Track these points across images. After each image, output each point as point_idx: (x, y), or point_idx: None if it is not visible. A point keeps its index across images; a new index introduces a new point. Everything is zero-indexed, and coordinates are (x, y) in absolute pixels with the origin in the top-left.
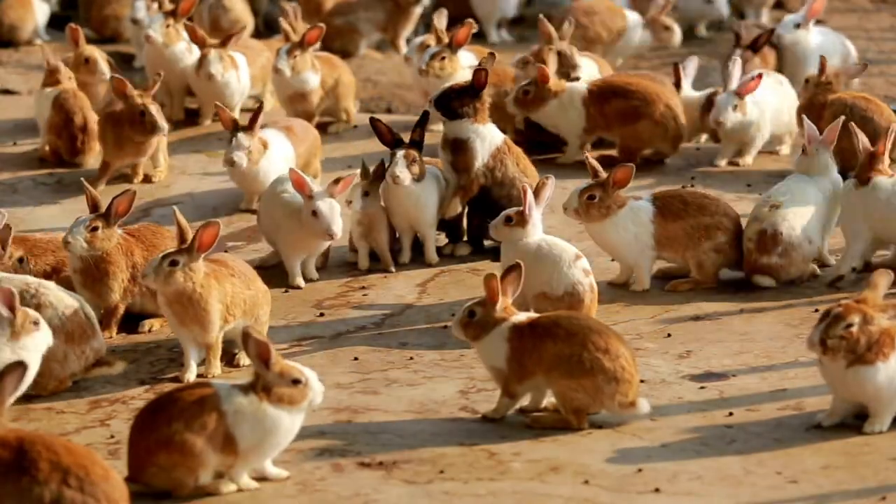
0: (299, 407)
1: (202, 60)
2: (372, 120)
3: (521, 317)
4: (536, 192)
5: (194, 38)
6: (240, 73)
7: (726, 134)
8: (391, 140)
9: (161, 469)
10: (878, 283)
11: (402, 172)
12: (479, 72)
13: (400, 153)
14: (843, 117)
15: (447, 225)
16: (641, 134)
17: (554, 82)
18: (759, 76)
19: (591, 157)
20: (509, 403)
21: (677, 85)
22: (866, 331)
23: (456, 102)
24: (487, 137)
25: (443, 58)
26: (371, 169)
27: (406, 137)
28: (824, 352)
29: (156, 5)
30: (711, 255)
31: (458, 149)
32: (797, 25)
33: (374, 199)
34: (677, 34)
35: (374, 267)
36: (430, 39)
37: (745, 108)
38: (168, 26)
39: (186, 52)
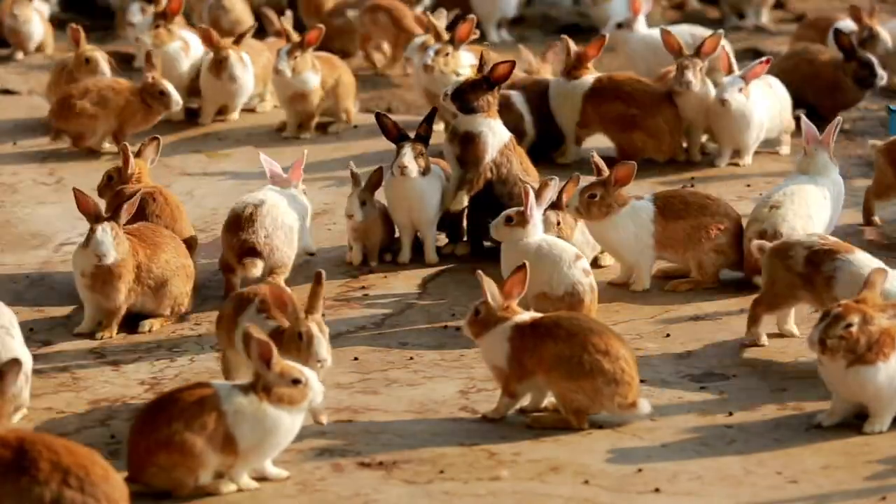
0: (299, 407)
1: (223, 63)
2: (378, 115)
3: (525, 316)
4: (538, 193)
5: (209, 42)
6: (249, 73)
7: (721, 134)
8: (396, 135)
9: (161, 469)
10: (875, 282)
11: (411, 163)
12: (505, 64)
13: (408, 145)
14: (839, 118)
15: (447, 225)
16: (636, 143)
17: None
18: (767, 60)
19: (596, 156)
20: (510, 403)
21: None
22: (866, 331)
23: (472, 95)
24: (498, 132)
25: (447, 53)
26: (356, 172)
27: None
28: (823, 351)
29: (152, 7)
30: (712, 256)
31: (468, 142)
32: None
33: (371, 207)
34: None
35: (375, 267)
36: (431, 39)
37: (748, 92)
38: (157, 27)
39: (181, 52)
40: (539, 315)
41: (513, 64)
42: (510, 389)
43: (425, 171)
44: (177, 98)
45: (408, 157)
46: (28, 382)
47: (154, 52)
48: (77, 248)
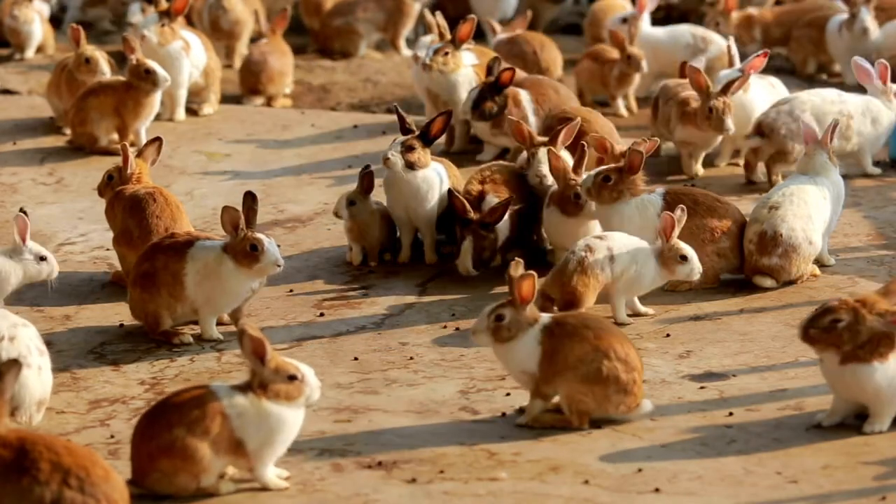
0: (297, 403)
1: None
2: (393, 108)
3: (546, 318)
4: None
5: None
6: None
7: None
8: (403, 129)
9: (164, 475)
10: (893, 291)
11: (394, 156)
12: (507, 71)
13: (399, 139)
14: (837, 119)
15: (447, 225)
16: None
17: None
18: (765, 53)
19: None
20: (542, 405)
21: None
22: (854, 329)
23: (487, 103)
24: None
25: (446, 53)
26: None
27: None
28: (803, 338)
29: (152, 7)
30: (714, 259)
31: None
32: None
33: (362, 208)
34: None
35: (375, 267)
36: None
37: (747, 86)
38: (163, 25)
39: (182, 52)
40: (560, 314)
41: (513, 70)
42: (542, 392)
43: (417, 167)
44: (163, 74)
45: (393, 150)
46: (42, 408)
47: (131, 38)
48: None
